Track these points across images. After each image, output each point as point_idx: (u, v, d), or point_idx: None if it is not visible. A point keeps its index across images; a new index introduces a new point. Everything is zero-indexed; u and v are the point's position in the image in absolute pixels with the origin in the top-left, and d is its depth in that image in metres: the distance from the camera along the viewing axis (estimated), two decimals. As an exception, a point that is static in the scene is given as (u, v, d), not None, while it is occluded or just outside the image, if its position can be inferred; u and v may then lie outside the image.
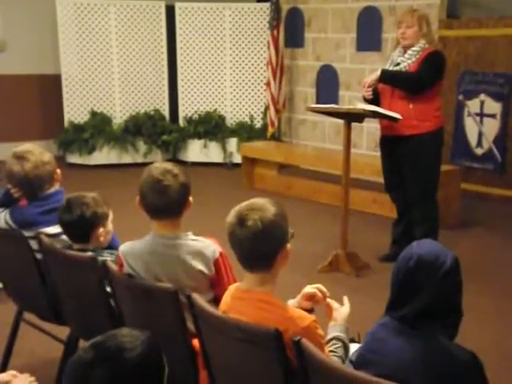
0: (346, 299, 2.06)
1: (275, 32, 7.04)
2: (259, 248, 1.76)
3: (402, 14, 4.23)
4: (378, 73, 4.02)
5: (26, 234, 2.60)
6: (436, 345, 1.61)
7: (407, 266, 1.67)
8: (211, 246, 2.18)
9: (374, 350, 1.70)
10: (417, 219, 4.19)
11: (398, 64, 4.07)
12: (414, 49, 4.02)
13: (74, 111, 7.51)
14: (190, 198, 2.21)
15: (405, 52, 4.06)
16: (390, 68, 4.10)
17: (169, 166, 2.19)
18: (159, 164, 2.24)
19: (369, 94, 4.10)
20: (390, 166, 4.27)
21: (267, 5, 7.24)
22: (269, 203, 1.80)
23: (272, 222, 1.76)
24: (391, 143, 4.17)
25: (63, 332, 2.65)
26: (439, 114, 4.14)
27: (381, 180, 5.89)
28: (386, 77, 4.01)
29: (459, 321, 1.71)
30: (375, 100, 4.12)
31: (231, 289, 1.91)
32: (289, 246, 1.83)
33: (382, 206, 5.51)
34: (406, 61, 4.03)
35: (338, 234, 4.25)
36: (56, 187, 2.79)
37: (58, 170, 2.79)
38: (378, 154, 6.53)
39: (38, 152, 2.73)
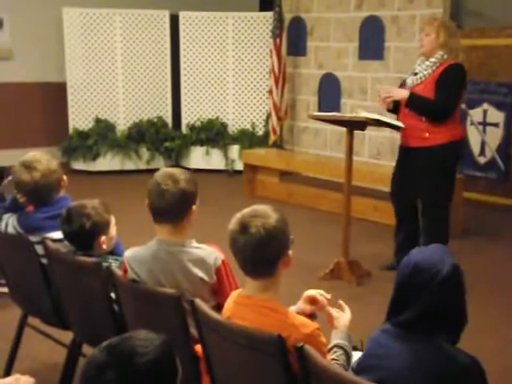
0: (343, 305, 2.05)
1: (278, 40, 7.08)
2: (262, 255, 1.78)
3: (423, 22, 4.24)
4: (406, 95, 3.97)
5: (33, 238, 2.62)
6: (436, 349, 1.62)
7: (404, 272, 1.69)
8: (213, 254, 2.19)
9: (375, 354, 1.71)
10: (424, 230, 4.16)
11: (416, 74, 4.04)
12: (431, 60, 3.98)
13: (79, 118, 7.56)
14: (194, 207, 2.22)
15: (425, 61, 4.03)
16: (409, 78, 4.08)
17: (175, 171, 2.21)
18: (168, 168, 2.26)
19: (388, 105, 4.12)
20: (400, 175, 4.25)
21: (270, 14, 7.29)
22: (270, 210, 1.82)
23: (274, 229, 1.78)
24: (406, 153, 4.17)
25: (67, 336, 2.67)
26: (454, 126, 4.06)
27: (382, 188, 5.93)
28: (412, 105, 3.97)
29: (461, 328, 1.71)
30: (396, 110, 4.14)
31: (234, 295, 1.93)
32: (290, 252, 1.85)
33: (384, 214, 5.52)
34: (422, 71, 4.00)
35: (340, 241, 4.27)
36: (62, 193, 2.82)
37: (65, 177, 2.83)
38: (379, 161, 6.61)
39: (46, 160, 2.76)
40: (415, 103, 3.98)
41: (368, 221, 5.50)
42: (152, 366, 1.28)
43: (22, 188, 2.75)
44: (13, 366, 2.83)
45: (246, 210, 1.83)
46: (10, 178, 3.73)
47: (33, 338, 2.92)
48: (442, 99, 3.95)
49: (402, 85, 4.22)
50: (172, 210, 2.16)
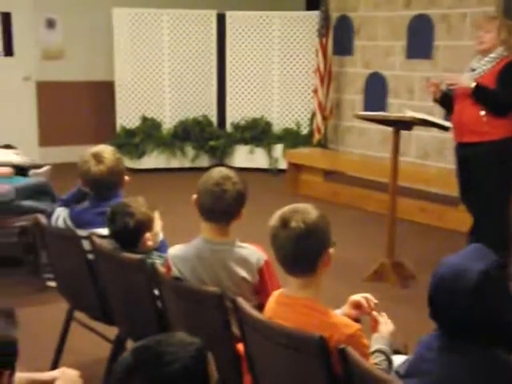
0: (385, 317, 2.02)
1: (324, 40, 7.04)
2: (302, 249, 1.78)
3: (482, 19, 4.16)
4: (472, 85, 3.84)
5: (82, 233, 2.69)
6: (488, 358, 1.56)
7: (431, 286, 1.63)
8: (256, 254, 2.20)
9: (425, 359, 1.66)
10: (484, 232, 4.00)
11: (474, 70, 3.94)
12: (491, 55, 3.88)
13: (126, 116, 7.68)
14: (243, 210, 2.24)
15: (483, 58, 3.93)
16: (467, 74, 3.95)
17: (230, 172, 2.24)
18: (222, 168, 2.28)
19: (435, 93, 4.00)
20: (462, 174, 4.12)
21: (316, 13, 7.25)
22: (311, 207, 1.84)
23: (315, 224, 1.78)
24: (463, 150, 4.04)
25: (112, 332, 2.72)
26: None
27: (428, 189, 5.84)
28: (479, 95, 3.84)
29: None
30: (448, 103, 4.05)
31: (275, 294, 1.93)
32: (331, 250, 1.84)
33: (430, 215, 5.44)
34: (481, 67, 3.90)
35: (384, 242, 4.22)
36: (118, 191, 2.89)
37: (127, 177, 2.90)
38: (427, 162, 6.50)
39: (115, 156, 2.85)
40: (482, 93, 3.84)
41: (413, 222, 5.42)
42: (178, 374, 1.22)
43: (87, 178, 2.81)
44: (60, 359, 2.89)
45: (287, 207, 1.85)
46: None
47: (79, 332, 2.97)
48: (508, 92, 3.82)
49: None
50: (229, 211, 2.19)
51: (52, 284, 3.29)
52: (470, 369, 1.57)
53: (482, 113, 3.87)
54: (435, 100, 4.10)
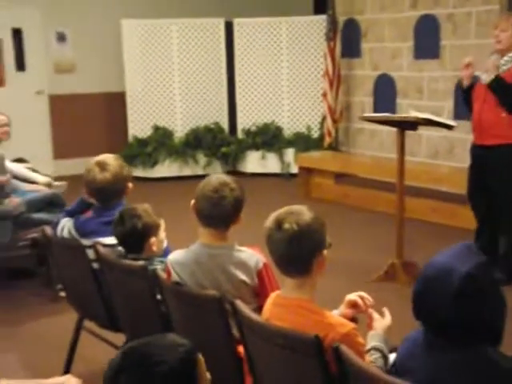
0: (386, 311, 2.03)
1: (332, 43, 7.06)
2: (296, 250, 1.80)
3: (497, 18, 4.14)
4: (491, 76, 3.82)
5: (86, 242, 2.74)
6: (474, 356, 1.55)
7: (416, 286, 1.61)
8: (254, 257, 2.23)
9: (412, 356, 1.66)
10: (503, 231, 4.02)
11: None
12: (510, 55, 3.86)
13: (138, 126, 7.76)
14: (241, 215, 2.27)
15: (502, 57, 3.90)
16: (484, 75, 3.93)
17: (228, 178, 2.27)
18: (220, 175, 2.32)
19: (468, 79, 3.95)
20: (475, 175, 4.12)
21: (323, 17, 7.28)
22: (306, 209, 1.86)
23: (308, 226, 1.80)
24: (481, 152, 4.03)
25: (121, 339, 2.75)
26: None
27: (440, 188, 5.82)
28: (497, 87, 3.81)
29: (496, 338, 1.59)
30: (467, 101, 4.02)
31: (272, 296, 1.96)
32: (325, 252, 1.85)
33: (442, 215, 5.42)
34: (501, 66, 3.87)
35: (395, 242, 4.22)
36: (121, 200, 2.93)
37: (130, 184, 2.94)
38: (437, 161, 6.47)
39: (118, 164, 2.89)
40: (501, 86, 3.80)
41: (426, 221, 5.40)
42: (165, 375, 1.24)
43: (93, 186, 2.85)
44: (70, 367, 2.94)
45: (282, 209, 1.87)
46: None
47: (90, 341, 3.01)
48: None
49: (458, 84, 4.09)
50: (227, 217, 2.22)
51: (62, 294, 3.34)
52: (455, 367, 1.57)
53: (503, 115, 3.84)
54: (462, 87, 4.04)
